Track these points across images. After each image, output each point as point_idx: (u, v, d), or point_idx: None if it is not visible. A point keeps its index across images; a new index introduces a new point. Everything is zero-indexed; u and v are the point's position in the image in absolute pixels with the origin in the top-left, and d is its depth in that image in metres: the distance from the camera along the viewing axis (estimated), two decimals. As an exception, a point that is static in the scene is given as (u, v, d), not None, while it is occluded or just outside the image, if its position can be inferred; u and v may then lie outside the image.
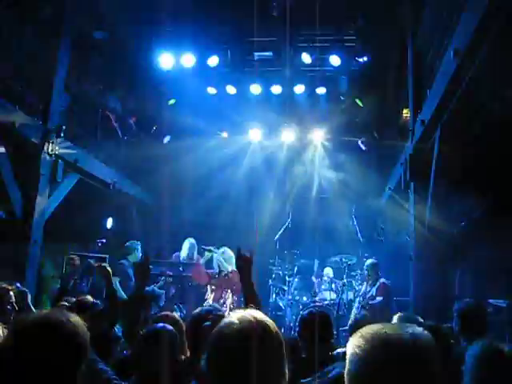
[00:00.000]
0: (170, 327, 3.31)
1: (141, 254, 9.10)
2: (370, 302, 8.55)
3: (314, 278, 11.13)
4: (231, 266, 8.46)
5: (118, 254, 10.91)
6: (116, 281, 8.08)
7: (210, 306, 4.41)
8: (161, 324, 3.37)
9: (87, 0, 9.33)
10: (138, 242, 9.37)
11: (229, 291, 8.46)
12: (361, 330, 1.53)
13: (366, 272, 9.15)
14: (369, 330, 1.53)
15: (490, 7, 4.29)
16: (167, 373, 3.02)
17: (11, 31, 7.99)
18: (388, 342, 1.44)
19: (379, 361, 1.41)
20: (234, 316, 1.83)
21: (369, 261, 9.35)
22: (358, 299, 9.26)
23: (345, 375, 1.50)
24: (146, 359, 3.11)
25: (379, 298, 8.61)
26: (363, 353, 1.44)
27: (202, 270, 8.97)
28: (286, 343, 1.86)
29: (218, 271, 8.69)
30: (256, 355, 1.67)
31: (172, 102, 12.86)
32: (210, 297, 8.57)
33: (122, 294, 8.33)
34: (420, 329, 1.52)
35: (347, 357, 1.50)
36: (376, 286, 8.82)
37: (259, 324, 1.78)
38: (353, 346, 1.49)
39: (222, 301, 8.36)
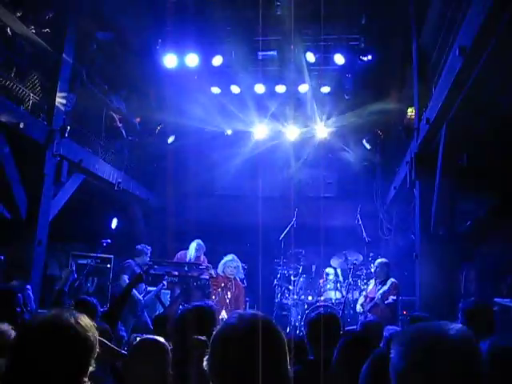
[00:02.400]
0: (161, 340, 3.29)
1: (149, 258, 9.40)
2: (386, 302, 8.52)
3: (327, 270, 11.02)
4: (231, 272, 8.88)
5: (124, 254, 10.97)
6: (125, 278, 8.66)
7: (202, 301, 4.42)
8: (151, 336, 3.38)
9: (91, 1, 9.33)
10: (149, 247, 9.52)
11: (229, 293, 8.66)
12: (405, 330, 1.55)
13: (375, 270, 9.12)
14: (414, 328, 1.55)
15: (496, 3, 4.26)
16: None
17: (15, 32, 8.00)
18: (437, 339, 1.46)
19: (429, 358, 1.42)
20: (235, 316, 1.82)
21: (379, 260, 9.33)
22: (362, 297, 9.28)
23: (392, 373, 1.50)
24: (134, 371, 3.10)
25: (393, 297, 8.59)
26: (412, 351, 1.45)
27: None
28: (292, 343, 1.86)
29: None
30: (260, 354, 1.66)
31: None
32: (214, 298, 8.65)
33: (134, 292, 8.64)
34: (461, 326, 1.53)
35: (392, 353, 1.50)
36: (389, 285, 8.80)
37: (261, 323, 1.77)
38: (398, 344, 1.50)
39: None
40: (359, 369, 2.30)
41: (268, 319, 1.83)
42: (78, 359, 1.90)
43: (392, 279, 8.97)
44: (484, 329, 4.16)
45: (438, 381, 1.39)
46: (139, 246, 9.43)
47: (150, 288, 9.36)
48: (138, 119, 12.72)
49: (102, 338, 3.27)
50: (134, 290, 8.70)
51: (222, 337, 1.78)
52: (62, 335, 1.89)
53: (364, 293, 9.52)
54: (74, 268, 9.04)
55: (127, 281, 8.65)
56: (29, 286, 4.84)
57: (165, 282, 9.26)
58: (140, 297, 8.90)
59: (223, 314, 8.38)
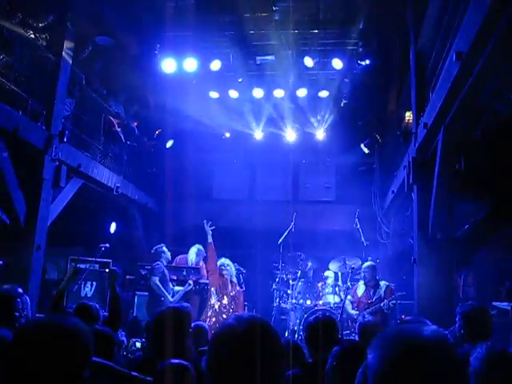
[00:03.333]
0: (185, 363, 3.21)
1: (169, 253, 9.56)
2: (391, 306, 8.54)
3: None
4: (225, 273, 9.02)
5: (123, 259, 10.97)
6: (156, 280, 8.84)
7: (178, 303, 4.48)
8: (175, 361, 3.30)
9: (90, 6, 9.35)
10: (162, 245, 9.57)
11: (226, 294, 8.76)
12: (381, 332, 1.56)
13: (364, 275, 9.05)
14: (390, 331, 1.56)
15: (492, 9, 4.29)
16: None
17: (14, 36, 8.02)
18: (411, 340, 1.48)
19: (403, 360, 1.43)
20: (233, 317, 1.85)
21: (366, 263, 9.30)
22: (348, 302, 9.19)
23: (368, 375, 1.51)
24: None
25: (393, 302, 8.60)
26: (387, 353, 1.46)
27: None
28: (290, 346, 1.89)
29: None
30: (257, 355, 1.69)
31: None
32: (213, 302, 8.70)
33: (163, 291, 8.87)
34: (436, 327, 1.55)
35: (369, 358, 1.51)
36: (384, 290, 8.80)
37: (258, 324, 1.80)
38: (375, 348, 1.51)
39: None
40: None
41: (265, 321, 1.86)
42: (72, 363, 1.92)
43: (384, 282, 8.99)
44: (482, 332, 4.18)
45: (414, 381, 1.41)
46: (153, 250, 9.48)
47: (177, 288, 9.34)
48: (137, 123, 12.74)
49: (112, 363, 3.24)
50: (164, 292, 8.76)
51: (221, 338, 1.81)
52: (56, 339, 1.91)
53: (349, 296, 9.43)
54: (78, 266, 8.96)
55: (157, 282, 8.84)
56: (20, 290, 4.81)
57: (190, 282, 9.26)
58: (170, 298, 8.88)
59: (216, 306, 8.52)
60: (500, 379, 2.52)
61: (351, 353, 3.03)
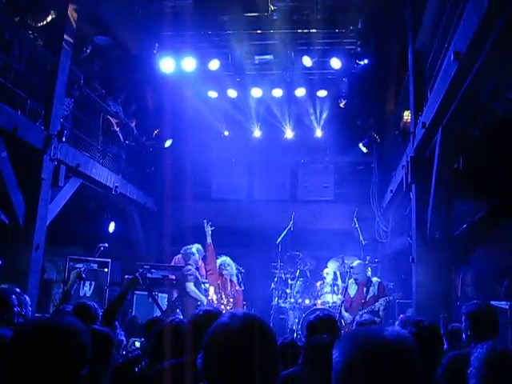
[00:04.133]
0: None
1: (197, 255, 9.30)
2: (386, 305, 8.53)
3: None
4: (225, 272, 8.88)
5: (121, 258, 10.95)
6: (191, 285, 8.62)
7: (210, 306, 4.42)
8: None
9: (89, 5, 9.35)
10: (191, 246, 9.31)
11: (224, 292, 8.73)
12: (345, 333, 1.59)
13: (356, 276, 8.96)
14: (353, 332, 1.57)
15: (490, 9, 4.30)
16: None
17: (13, 36, 8.02)
18: (371, 341, 1.49)
19: (362, 360, 1.45)
20: (227, 315, 1.86)
21: (357, 261, 9.25)
22: (340, 302, 9.11)
23: (332, 375, 1.53)
24: None
25: (387, 298, 8.59)
26: (348, 353, 1.47)
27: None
28: (289, 345, 1.89)
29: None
30: (251, 353, 1.70)
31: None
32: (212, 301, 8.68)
33: (199, 296, 8.67)
34: (399, 328, 1.57)
35: (333, 357, 1.53)
36: (377, 287, 8.78)
37: (253, 321, 1.81)
38: (338, 347, 1.52)
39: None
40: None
41: (259, 319, 1.86)
42: (70, 362, 1.93)
43: (376, 279, 8.98)
44: (489, 331, 4.13)
45: (374, 381, 1.42)
46: (183, 251, 9.26)
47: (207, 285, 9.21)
48: (135, 123, 12.74)
49: None
50: (201, 296, 8.62)
51: (216, 335, 1.81)
52: (53, 339, 1.92)
53: (340, 296, 9.37)
54: (82, 269, 8.94)
55: (193, 288, 8.63)
56: (18, 289, 4.82)
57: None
58: (202, 297, 8.69)
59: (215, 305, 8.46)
60: (500, 379, 2.51)
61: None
